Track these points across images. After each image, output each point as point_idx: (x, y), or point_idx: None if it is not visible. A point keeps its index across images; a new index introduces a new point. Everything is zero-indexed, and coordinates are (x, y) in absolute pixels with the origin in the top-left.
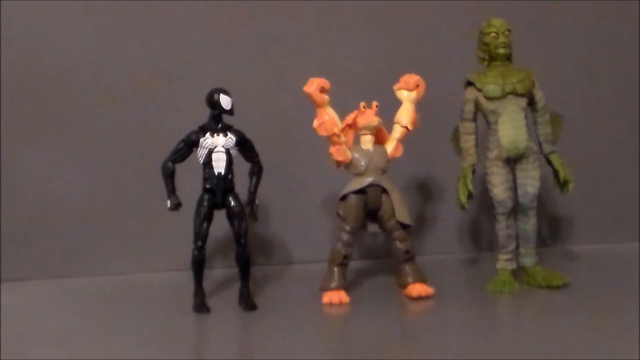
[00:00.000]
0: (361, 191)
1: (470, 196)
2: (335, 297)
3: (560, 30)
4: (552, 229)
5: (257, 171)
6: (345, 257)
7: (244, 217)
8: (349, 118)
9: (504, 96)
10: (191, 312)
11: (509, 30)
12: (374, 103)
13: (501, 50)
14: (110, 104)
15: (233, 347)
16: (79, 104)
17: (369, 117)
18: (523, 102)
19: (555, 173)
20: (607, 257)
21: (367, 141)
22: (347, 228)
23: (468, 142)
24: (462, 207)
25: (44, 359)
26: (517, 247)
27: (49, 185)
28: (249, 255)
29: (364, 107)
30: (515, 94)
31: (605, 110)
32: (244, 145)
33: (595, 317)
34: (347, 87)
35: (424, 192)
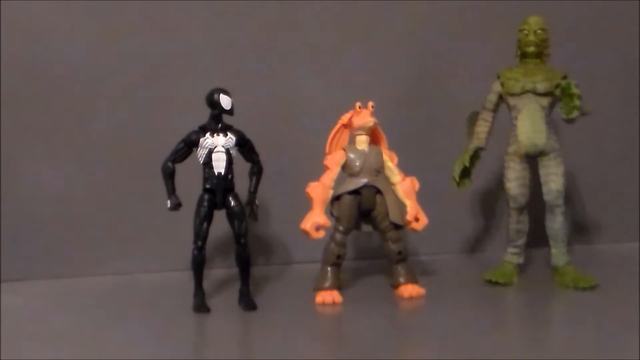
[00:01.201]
0: (355, 191)
1: (466, 174)
2: (329, 296)
3: (561, 31)
4: None
5: (257, 171)
6: (339, 257)
7: (244, 217)
8: (345, 118)
9: (523, 93)
10: (191, 312)
11: (543, 29)
12: (370, 103)
13: (529, 49)
14: (110, 104)
15: (233, 347)
16: (78, 104)
17: (364, 117)
18: (544, 101)
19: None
20: (607, 257)
21: (362, 141)
22: (341, 228)
23: (481, 126)
24: (456, 185)
25: (44, 359)
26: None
27: (48, 186)
28: (249, 255)
29: (359, 107)
30: (535, 92)
31: (605, 110)
32: (244, 146)
33: (595, 317)
34: (346, 86)
35: (423, 191)
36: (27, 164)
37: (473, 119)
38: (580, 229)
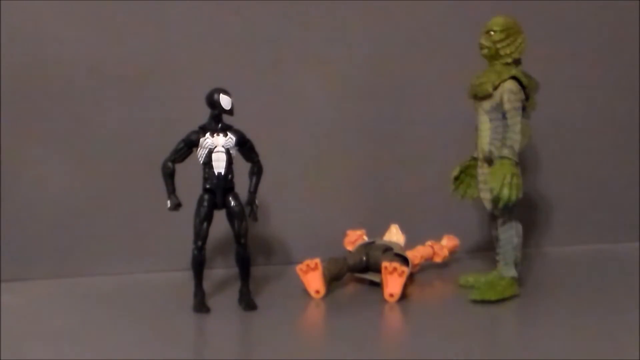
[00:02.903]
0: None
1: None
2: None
3: (560, 30)
4: (551, 230)
5: (257, 171)
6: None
7: (244, 217)
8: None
9: (473, 98)
10: (191, 312)
11: (494, 31)
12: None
13: (481, 52)
14: (110, 104)
15: (233, 347)
16: (79, 103)
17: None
18: (486, 105)
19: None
20: (607, 257)
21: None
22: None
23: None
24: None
25: (44, 359)
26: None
27: (49, 185)
28: (249, 255)
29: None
30: (476, 97)
31: (605, 110)
32: (244, 145)
33: (596, 317)
34: (345, 87)
35: (411, 191)
36: (27, 164)
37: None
38: (580, 229)
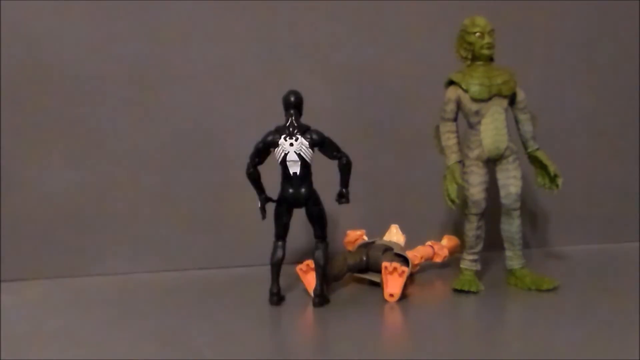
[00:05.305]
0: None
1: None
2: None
3: (560, 29)
4: (551, 230)
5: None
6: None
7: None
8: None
9: (490, 98)
10: (189, 311)
11: (493, 30)
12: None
13: (486, 51)
14: (110, 104)
15: (234, 346)
16: (79, 103)
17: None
18: (505, 102)
19: (543, 169)
20: (607, 257)
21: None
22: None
23: (450, 139)
24: (452, 202)
25: (44, 359)
26: (505, 249)
27: (49, 185)
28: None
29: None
30: (500, 95)
31: (605, 109)
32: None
33: (596, 317)
34: (346, 87)
35: (411, 191)
36: (27, 164)
37: (438, 134)
38: (580, 229)
